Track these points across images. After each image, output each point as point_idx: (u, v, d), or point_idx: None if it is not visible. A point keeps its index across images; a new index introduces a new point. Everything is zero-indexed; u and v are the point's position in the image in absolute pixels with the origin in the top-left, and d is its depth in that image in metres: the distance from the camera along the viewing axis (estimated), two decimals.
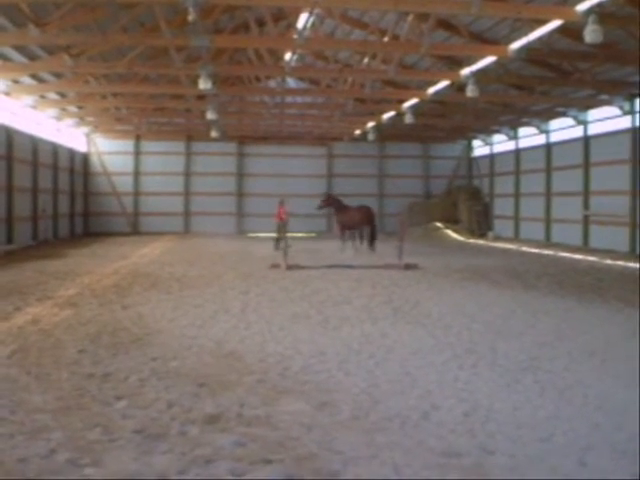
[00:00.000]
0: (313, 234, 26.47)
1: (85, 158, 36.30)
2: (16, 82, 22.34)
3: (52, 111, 27.88)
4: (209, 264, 19.27)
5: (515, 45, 16.60)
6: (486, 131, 35.91)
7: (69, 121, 31.15)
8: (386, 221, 37.38)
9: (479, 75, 19.06)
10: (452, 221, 36.60)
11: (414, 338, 8.89)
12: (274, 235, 24.84)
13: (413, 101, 24.36)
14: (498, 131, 35.06)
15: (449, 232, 35.62)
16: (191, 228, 37.26)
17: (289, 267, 17.60)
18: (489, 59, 17.89)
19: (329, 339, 8.81)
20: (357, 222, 24.03)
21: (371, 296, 12.85)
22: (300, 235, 29.37)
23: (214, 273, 16.82)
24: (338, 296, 12.85)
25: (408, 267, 17.90)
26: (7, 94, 22.75)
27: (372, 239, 23.52)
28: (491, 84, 22.90)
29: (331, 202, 24.89)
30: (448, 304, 11.89)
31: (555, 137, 30.31)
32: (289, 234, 19.41)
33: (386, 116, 28.22)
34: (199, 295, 12.79)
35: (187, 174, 37.41)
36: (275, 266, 17.97)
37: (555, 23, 14.71)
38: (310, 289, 13.87)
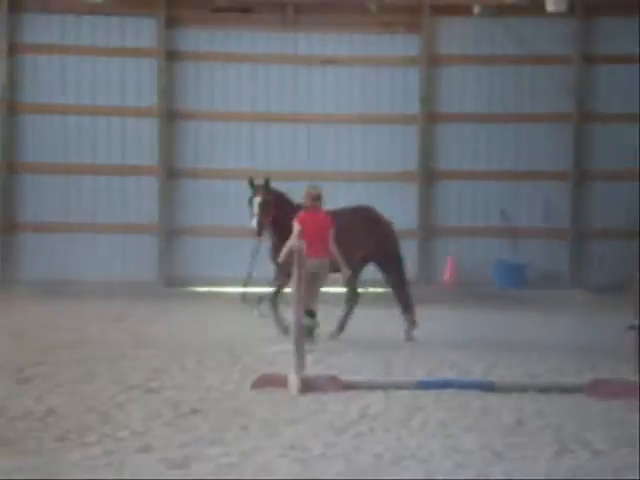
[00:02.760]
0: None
1: None
2: None
3: None
4: (69, 384, 8.25)
5: None
6: None
7: None
8: (592, 249, 17.69)
9: None
10: None
11: None
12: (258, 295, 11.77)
13: None
14: None
15: None
16: (15, 268, 16.97)
17: (308, 385, 7.70)
18: None
19: None
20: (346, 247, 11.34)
21: None
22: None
23: (83, 405, 6.74)
24: None
25: None
26: None
27: (402, 297, 11.52)
28: None
29: (272, 206, 11.30)
30: None
31: None
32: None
33: None
34: None
35: (11, 105, 16.96)
36: (268, 382, 8.05)
37: None
38: (374, 460, 5.41)
